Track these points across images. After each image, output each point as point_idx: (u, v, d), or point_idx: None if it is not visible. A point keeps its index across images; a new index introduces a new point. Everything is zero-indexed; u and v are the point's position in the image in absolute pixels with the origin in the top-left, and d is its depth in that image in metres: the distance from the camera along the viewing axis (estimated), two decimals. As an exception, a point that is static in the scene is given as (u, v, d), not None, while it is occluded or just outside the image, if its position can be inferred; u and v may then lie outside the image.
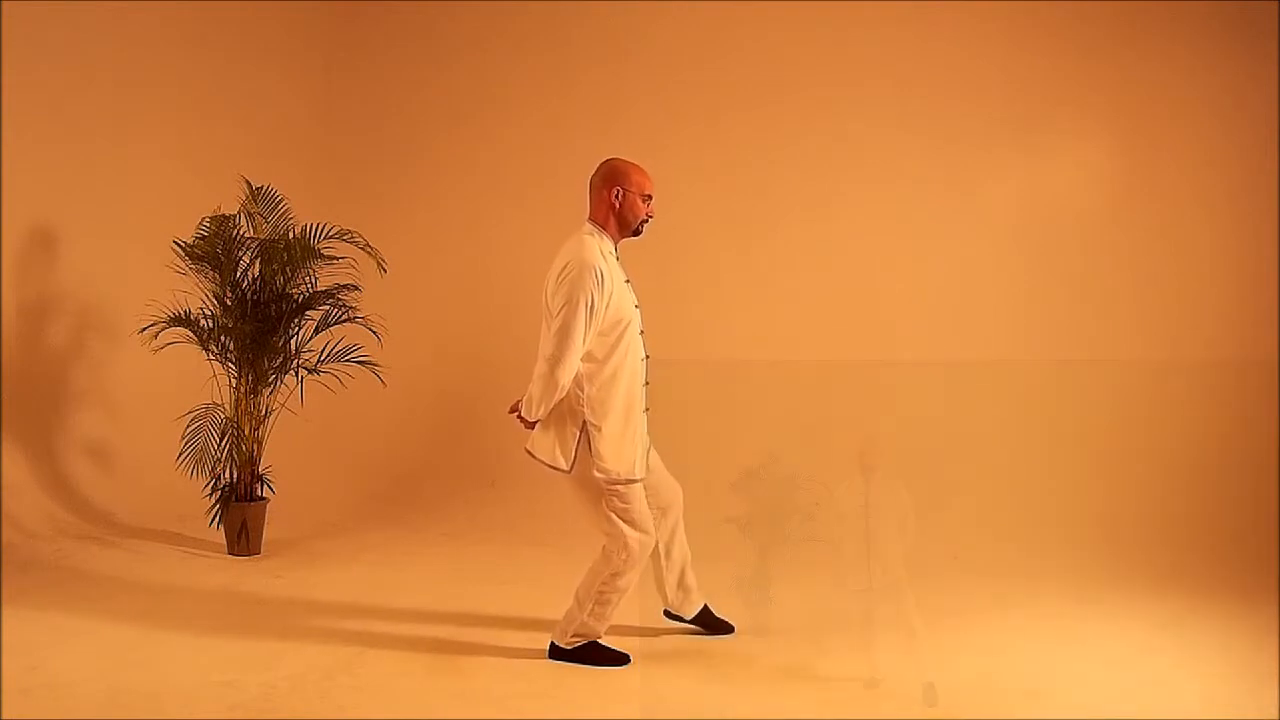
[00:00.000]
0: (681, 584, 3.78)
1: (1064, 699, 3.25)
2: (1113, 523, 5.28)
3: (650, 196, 3.43)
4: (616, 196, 3.36)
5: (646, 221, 3.45)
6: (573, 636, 3.45)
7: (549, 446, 3.30)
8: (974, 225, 5.85)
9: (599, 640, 3.48)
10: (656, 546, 3.63)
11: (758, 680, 3.39)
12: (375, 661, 3.46)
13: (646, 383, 3.50)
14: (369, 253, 5.22)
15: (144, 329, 5.00)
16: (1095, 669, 3.53)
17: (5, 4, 5.27)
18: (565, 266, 3.24)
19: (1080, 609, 4.24)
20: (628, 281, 3.43)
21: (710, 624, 3.85)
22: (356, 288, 5.33)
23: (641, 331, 3.47)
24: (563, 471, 3.30)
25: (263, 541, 5.15)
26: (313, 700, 3.13)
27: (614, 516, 3.33)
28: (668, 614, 3.85)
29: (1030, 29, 5.76)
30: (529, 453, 3.36)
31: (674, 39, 6.41)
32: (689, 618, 3.83)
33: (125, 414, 5.78)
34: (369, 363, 5.30)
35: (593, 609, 3.40)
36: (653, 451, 3.61)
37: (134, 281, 5.52)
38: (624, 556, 3.34)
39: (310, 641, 3.67)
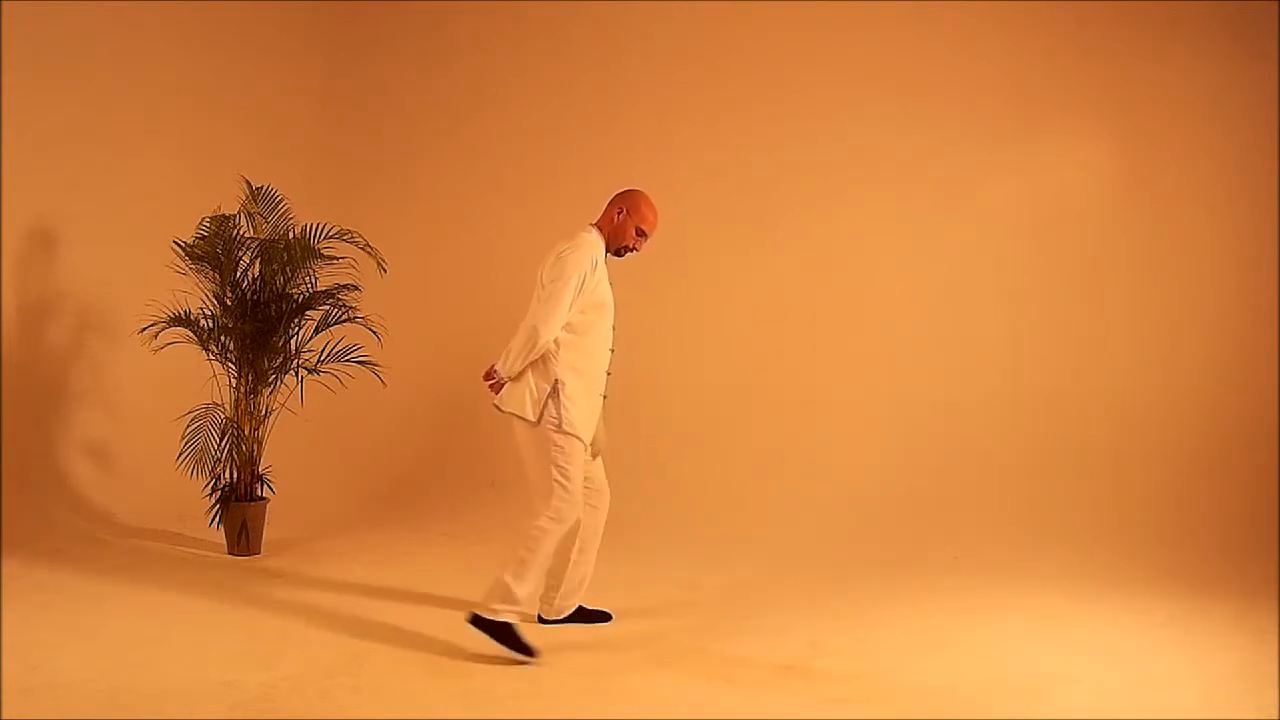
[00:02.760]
0: (576, 590, 3.96)
1: (1064, 699, 3.25)
2: (1113, 523, 5.29)
3: (645, 234, 3.78)
4: (619, 214, 3.76)
5: (629, 250, 3.79)
6: (496, 604, 3.49)
7: (519, 399, 3.59)
8: (974, 225, 5.85)
9: (514, 626, 3.49)
10: (571, 543, 3.84)
11: (758, 680, 3.39)
12: (375, 661, 3.46)
13: (609, 373, 3.79)
14: (369, 253, 5.22)
15: (144, 329, 5.00)
16: (1095, 669, 3.53)
17: (5, 4, 5.28)
18: (567, 247, 3.63)
19: (1080, 609, 4.24)
20: (610, 283, 3.76)
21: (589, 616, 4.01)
22: (356, 288, 5.33)
23: (613, 327, 3.78)
24: (529, 422, 3.56)
25: (263, 541, 5.15)
26: (313, 700, 3.13)
27: (557, 466, 3.55)
28: (542, 620, 3.96)
29: (1030, 29, 5.76)
30: (497, 407, 3.66)
31: (674, 40, 6.41)
32: (557, 618, 3.97)
33: (125, 414, 5.78)
34: (369, 363, 5.31)
35: (513, 569, 3.50)
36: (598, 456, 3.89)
37: (134, 281, 5.52)
38: (551, 513, 3.52)
39: (310, 641, 3.67)
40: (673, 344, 6.31)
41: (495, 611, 3.49)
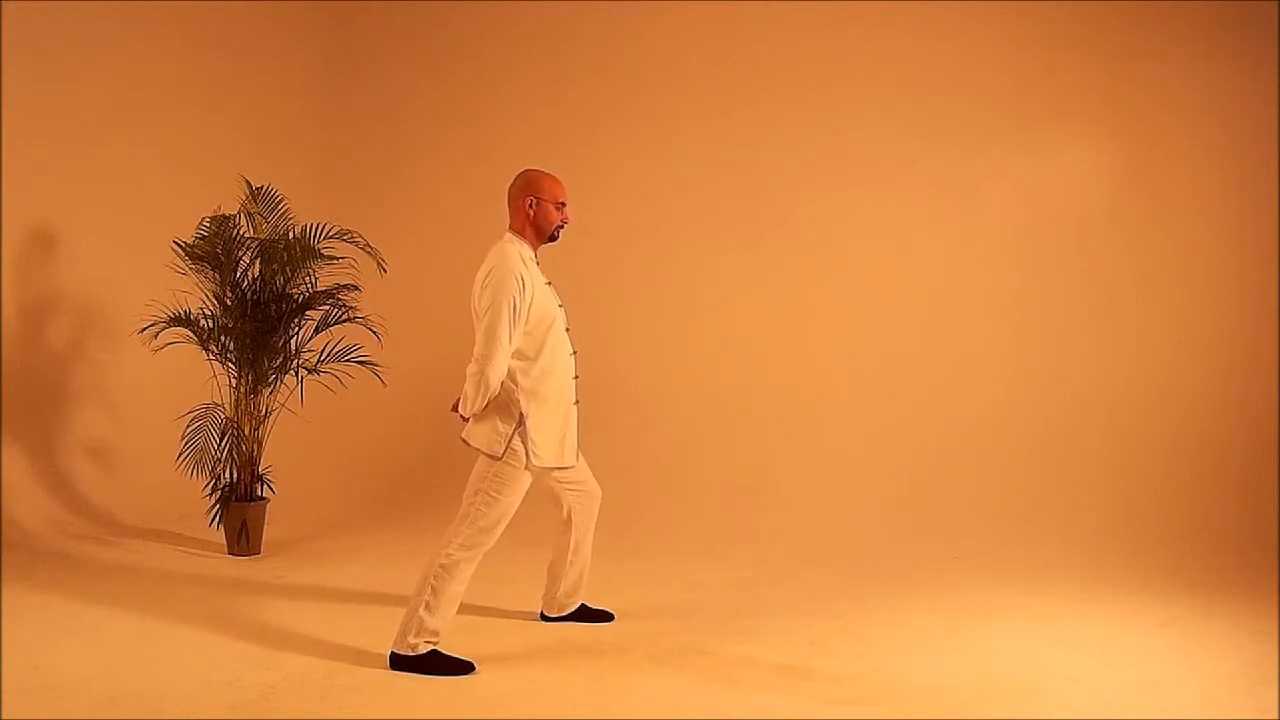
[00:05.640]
0: (576, 588, 3.95)
1: (1064, 699, 3.25)
2: (1113, 523, 5.29)
3: (563, 204, 3.59)
4: (530, 206, 3.54)
5: (562, 227, 3.60)
6: (413, 640, 3.38)
7: (484, 435, 3.43)
8: (973, 225, 5.86)
9: (438, 649, 3.40)
10: (568, 541, 3.84)
11: (758, 680, 3.39)
12: (375, 661, 3.46)
13: (576, 376, 3.64)
14: (369, 253, 5.22)
15: (144, 329, 5.00)
16: (1095, 669, 3.53)
17: (5, 4, 5.28)
18: (489, 273, 3.40)
19: (1080, 609, 4.24)
20: (549, 284, 3.58)
21: (590, 616, 4.00)
22: (356, 288, 5.33)
23: (567, 329, 3.61)
24: (495, 458, 3.42)
25: (263, 541, 5.15)
26: (313, 700, 3.13)
27: (485, 494, 3.42)
28: (544, 617, 3.98)
29: (1030, 29, 5.76)
30: (464, 440, 3.50)
31: (672, 40, 6.42)
32: (559, 615, 3.97)
33: (125, 414, 5.78)
34: (369, 363, 5.30)
35: (426, 599, 3.37)
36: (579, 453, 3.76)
37: (134, 281, 5.52)
38: (464, 540, 3.39)
39: (310, 641, 3.67)
40: (673, 344, 6.31)
41: (414, 647, 3.37)
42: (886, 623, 4.03)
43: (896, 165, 5.95)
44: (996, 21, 5.81)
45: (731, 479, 5.93)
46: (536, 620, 3.98)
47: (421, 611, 3.37)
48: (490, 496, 3.42)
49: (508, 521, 3.48)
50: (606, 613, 4.00)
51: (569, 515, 3.83)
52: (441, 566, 3.39)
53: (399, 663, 3.38)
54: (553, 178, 3.59)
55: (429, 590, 3.38)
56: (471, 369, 3.38)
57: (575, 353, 3.63)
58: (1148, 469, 5.42)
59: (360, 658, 3.50)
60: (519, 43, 6.76)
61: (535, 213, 3.53)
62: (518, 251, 3.47)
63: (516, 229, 3.56)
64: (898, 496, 5.65)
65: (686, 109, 6.36)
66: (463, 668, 3.37)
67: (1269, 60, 5.37)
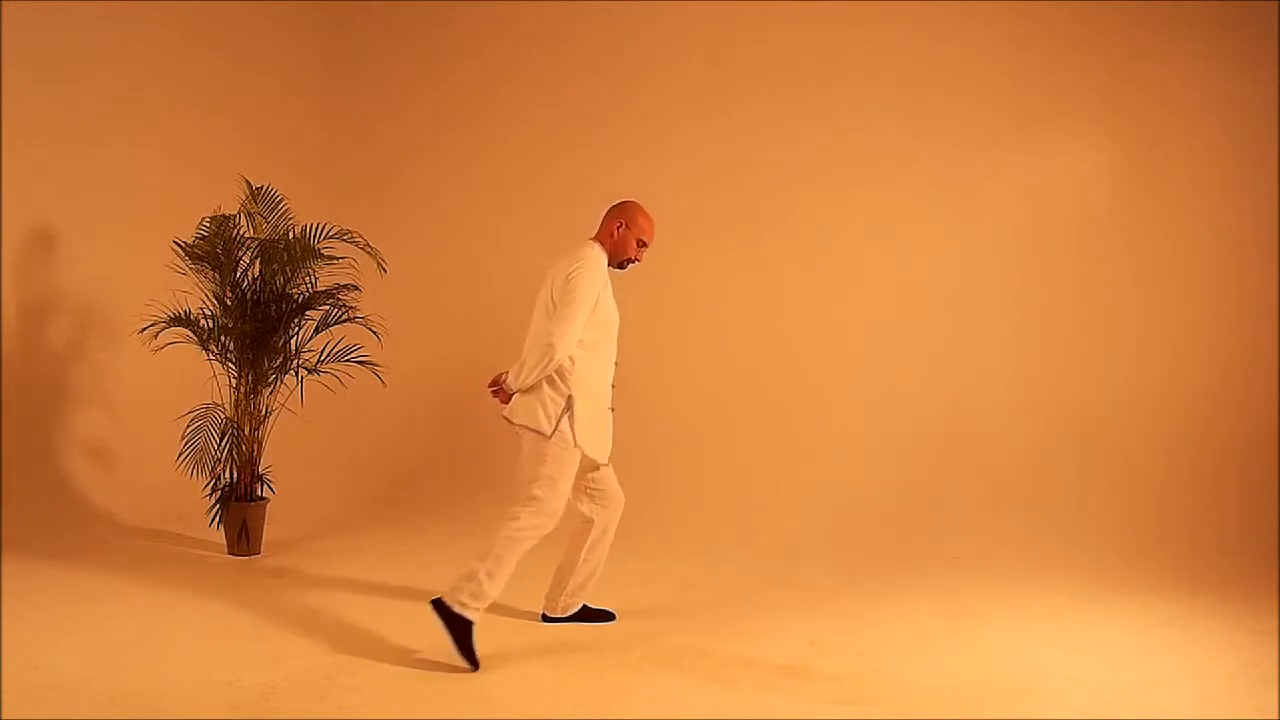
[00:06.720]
0: (583, 586, 3.98)
1: (1064, 699, 3.25)
2: (1113, 522, 5.29)
3: (645, 244, 3.83)
4: (619, 228, 3.79)
5: (632, 262, 3.83)
6: (465, 599, 3.45)
7: (532, 413, 3.60)
8: (973, 225, 5.86)
9: (473, 629, 3.46)
10: (583, 543, 3.90)
11: (758, 680, 3.39)
12: (375, 661, 3.46)
13: (613, 385, 3.81)
14: (369, 253, 5.22)
15: (144, 329, 5.00)
16: (1095, 669, 3.53)
17: (5, 4, 5.28)
18: (577, 266, 3.63)
19: (1080, 609, 4.25)
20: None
21: (591, 616, 4.02)
22: (356, 288, 5.32)
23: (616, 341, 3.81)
24: (543, 435, 3.57)
25: (263, 541, 5.15)
26: (313, 700, 3.13)
27: (549, 477, 3.57)
28: (546, 618, 4.00)
29: (1030, 29, 5.76)
30: (506, 419, 3.68)
31: (672, 40, 6.42)
32: (561, 615, 3.99)
33: (125, 414, 5.78)
34: (369, 363, 5.31)
35: (489, 566, 3.47)
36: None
37: (134, 281, 5.52)
38: (533, 520, 3.53)
39: (310, 641, 3.67)
40: (673, 344, 6.31)
41: (464, 606, 3.45)
42: (886, 623, 4.03)
43: (896, 165, 5.95)
44: (996, 21, 5.81)
45: (731, 479, 5.93)
46: (537, 620, 3.98)
47: (482, 576, 3.46)
48: (552, 478, 3.57)
49: (565, 500, 3.63)
50: (608, 612, 4.01)
51: (590, 517, 3.88)
52: (508, 539, 3.51)
53: (440, 609, 3.45)
54: (649, 218, 3.83)
55: (494, 558, 3.48)
56: (541, 340, 3.57)
57: (617, 364, 3.80)
58: (1148, 469, 5.42)
59: (360, 657, 3.50)
60: (519, 43, 6.76)
61: (619, 236, 3.77)
62: (602, 258, 3.72)
63: (600, 240, 3.79)
64: (898, 497, 5.65)
65: (686, 109, 6.36)
66: (473, 662, 3.40)
67: (1269, 60, 5.37)
